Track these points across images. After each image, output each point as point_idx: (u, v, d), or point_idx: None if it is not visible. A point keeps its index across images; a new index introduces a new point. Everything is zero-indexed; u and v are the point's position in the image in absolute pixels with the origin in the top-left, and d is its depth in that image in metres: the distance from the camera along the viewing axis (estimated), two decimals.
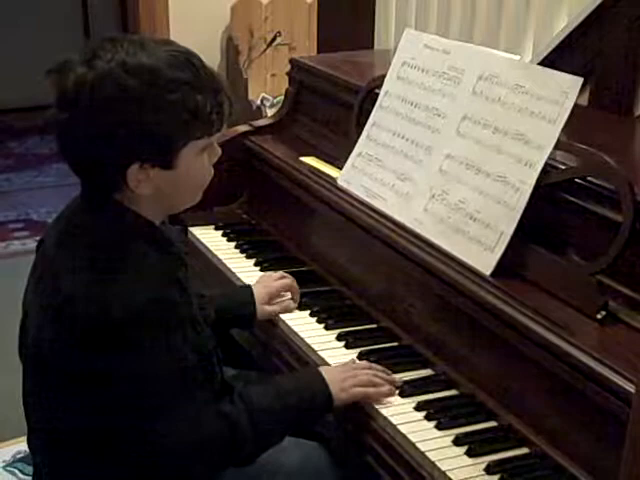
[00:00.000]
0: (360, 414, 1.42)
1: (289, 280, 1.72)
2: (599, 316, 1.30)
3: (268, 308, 1.67)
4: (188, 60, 1.25)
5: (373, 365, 1.47)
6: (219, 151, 1.33)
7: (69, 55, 1.23)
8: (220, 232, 2.05)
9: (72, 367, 1.24)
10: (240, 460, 1.34)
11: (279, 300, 1.69)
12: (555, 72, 1.48)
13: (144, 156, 1.22)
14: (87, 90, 1.19)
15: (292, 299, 1.70)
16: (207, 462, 1.30)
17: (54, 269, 1.28)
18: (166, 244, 1.32)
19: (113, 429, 1.25)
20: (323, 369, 1.45)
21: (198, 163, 1.29)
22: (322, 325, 1.64)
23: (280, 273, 1.74)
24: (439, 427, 1.34)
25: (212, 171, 1.34)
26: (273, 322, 1.69)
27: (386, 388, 1.41)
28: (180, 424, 1.25)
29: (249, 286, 1.70)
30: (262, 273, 1.84)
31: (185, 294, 1.29)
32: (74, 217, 1.32)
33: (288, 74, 2.24)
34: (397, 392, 1.43)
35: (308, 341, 1.59)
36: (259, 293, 1.67)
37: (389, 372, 1.46)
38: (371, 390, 1.41)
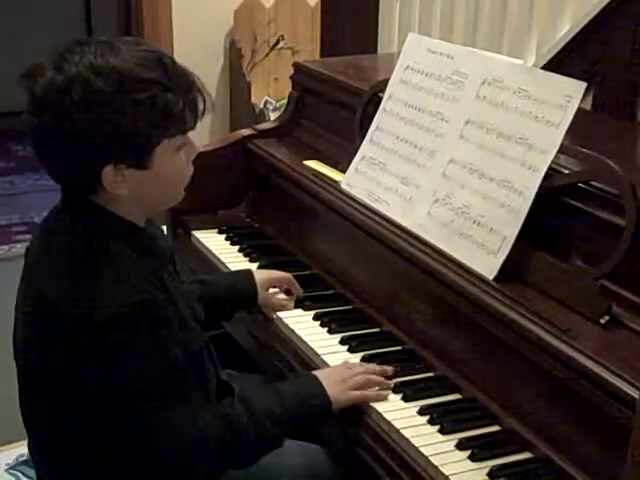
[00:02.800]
0: (362, 418, 1.42)
1: (289, 275, 1.76)
2: (602, 321, 1.30)
3: (267, 294, 1.71)
4: (158, 60, 1.24)
5: (367, 365, 1.48)
6: (197, 148, 1.34)
7: (39, 60, 1.23)
8: (223, 236, 2.05)
9: (59, 373, 1.24)
10: (240, 462, 1.34)
11: (277, 291, 1.73)
12: (558, 76, 1.48)
13: (117, 157, 1.22)
14: (56, 94, 1.19)
15: (291, 295, 1.75)
16: (205, 463, 1.30)
17: (36, 275, 1.28)
18: (148, 244, 1.31)
19: (106, 434, 1.24)
20: (318, 373, 1.46)
21: (174, 161, 1.28)
22: (325, 329, 1.64)
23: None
24: (442, 431, 1.34)
25: (192, 169, 1.33)
26: (276, 324, 1.69)
27: (384, 392, 1.43)
28: (175, 425, 1.25)
29: (250, 270, 1.75)
30: None
31: (169, 294, 1.29)
32: (54, 222, 1.32)
33: (291, 78, 2.24)
34: (400, 397, 1.43)
35: (312, 345, 1.59)
36: (260, 277, 1.71)
37: (387, 370, 1.48)
38: (369, 394, 1.42)
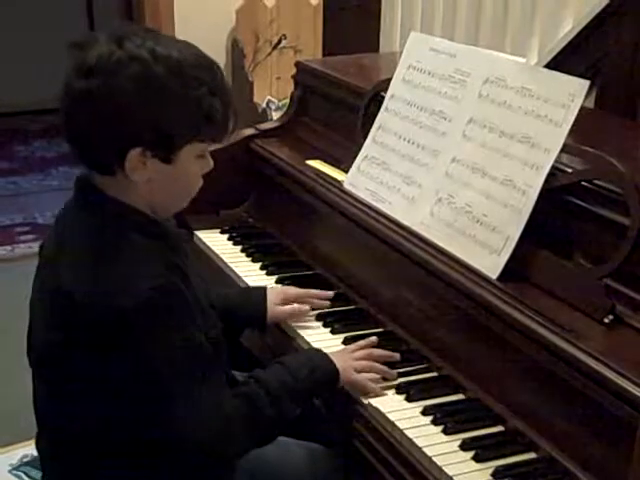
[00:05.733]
0: (366, 417, 1.41)
1: (307, 291, 1.68)
2: (606, 320, 1.29)
3: (279, 309, 1.65)
4: (211, 66, 1.28)
5: (370, 350, 1.49)
6: (211, 164, 1.34)
7: (95, 33, 1.25)
8: (226, 236, 2.05)
9: (85, 364, 1.24)
10: (265, 437, 1.35)
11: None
12: (561, 75, 1.48)
13: (148, 142, 1.23)
14: (114, 64, 1.20)
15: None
16: (234, 443, 1.31)
17: (55, 270, 1.28)
18: (162, 233, 1.32)
19: (131, 426, 1.25)
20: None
21: (193, 166, 1.30)
22: (328, 329, 1.64)
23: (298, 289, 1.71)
24: (446, 432, 1.34)
25: (201, 181, 1.34)
26: (280, 325, 1.69)
27: (385, 391, 1.44)
28: (201, 408, 1.25)
29: (264, 287, 1.70)
30: (267, 277, 1.84)
31: (187, 279, 1.29)
32: (68, 216, 1.33)
33: (294, 77, 2.24)
34: (404, 397, 1.43)
35: (315, 345, 1.58)
36: (272, 295, 1.66)
37: (394, 355, 1.50)
38: (371, 385, 1.43)
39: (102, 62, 1.21)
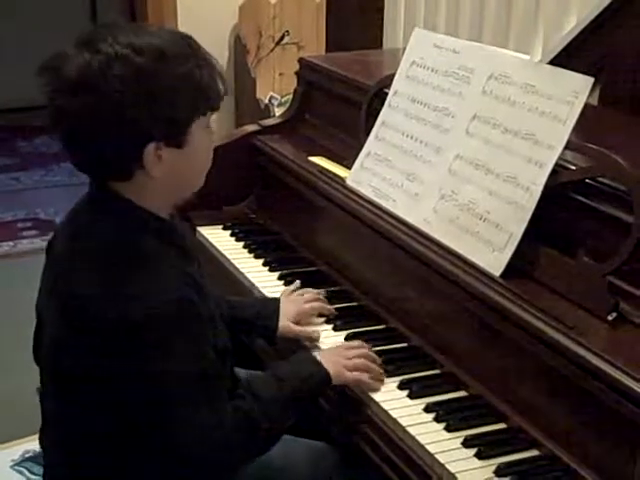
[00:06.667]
0: (368, 415, 1.41)
1: (320, 304, 1.67)
2: (610, 317, 1.29)
3: (294, 327, 1.61)
4: (185, 39, 1.26)
5: (366, 351, 1.48)
6: (214, 131, 1.33)
7: (59, 50, 1.21)
8: (228, 232, 2.05)
9: (93, 370, 1.23)
10: (262, 449, 1.35)
11: (307, 321, 1.64)
12: (565, 71, 1.47)
13: (159, 134, 1.21)
14: (97, 72, 1.17)
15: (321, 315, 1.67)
16: (233, 457, 1.31)
17: (67, 272, 1.26)
18: (178, 240, 1.31)
19: (134, 431, 1.24)
20: (315, 353, 1.48)
21: (205, 140, 1.29)
22: (331, 326, 1.64)
23: (312, 295, 1.68)
24: (448, 429, 1.34)
25: (212, 153, 1.33)
26: None
27: (377, 379, 1.44)
28: (204, 422, 1.24)
29: (277, 300, 1.66)
30: (269, 273, 1.85)
31: (201, 291, 1.28)
32: (82, 218, 1.30)
33: (297, 73, 2.23)
34: (406, 394, 1.43)
35: (318, 342, 1.58)
36: (286, 309, 1.63)
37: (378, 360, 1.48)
38: (365, 379, 1.43)
39: (85, 73, 1.17)
